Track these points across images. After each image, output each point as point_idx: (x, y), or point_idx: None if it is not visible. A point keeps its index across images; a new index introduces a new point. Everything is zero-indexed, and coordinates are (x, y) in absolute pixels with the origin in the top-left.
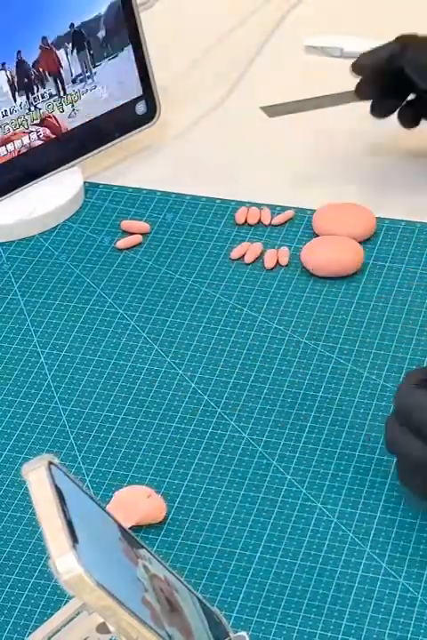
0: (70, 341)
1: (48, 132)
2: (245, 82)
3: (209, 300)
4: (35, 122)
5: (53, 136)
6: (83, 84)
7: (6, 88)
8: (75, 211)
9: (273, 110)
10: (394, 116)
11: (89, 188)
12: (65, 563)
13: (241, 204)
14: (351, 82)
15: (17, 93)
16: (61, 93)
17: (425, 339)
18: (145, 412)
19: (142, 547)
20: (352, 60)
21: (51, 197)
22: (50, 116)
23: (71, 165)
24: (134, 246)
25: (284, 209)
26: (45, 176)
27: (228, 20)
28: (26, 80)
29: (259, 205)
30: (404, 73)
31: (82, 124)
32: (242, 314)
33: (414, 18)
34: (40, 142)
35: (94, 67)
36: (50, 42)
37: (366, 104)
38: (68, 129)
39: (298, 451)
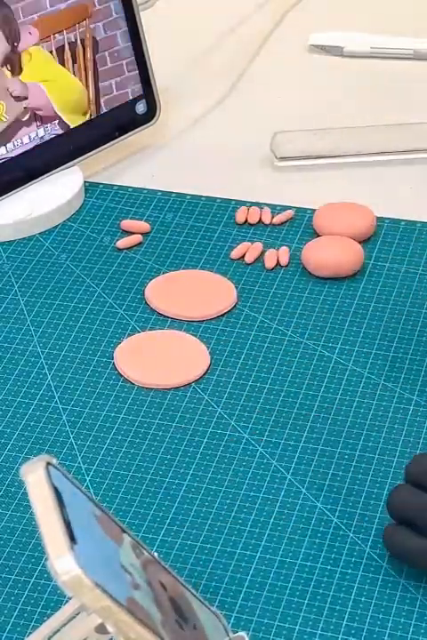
0: (70, 341)
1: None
2: (245, 81)
3: None
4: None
5: (54, 135)
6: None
7: None
8: (75, 211)
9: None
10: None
11: (89, 187)
12: (63, 563)
13: (241, 203)
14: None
15: None
16: None
17: (425, 339)
18: (145, 411)
19: (142, 547)
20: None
21: (51, 197)
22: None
23: (71, 165)
24: (134, 246)
25: (284, 209)
26: (45, 176)
27: (228, 19)
28: None
29: (259, 205)
30: None
31: (82, 124)
32: (242, 314)
33: (415, 15)
34: (40, 142)
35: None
36: None
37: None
38: (69, 129)
39: (298, 451)
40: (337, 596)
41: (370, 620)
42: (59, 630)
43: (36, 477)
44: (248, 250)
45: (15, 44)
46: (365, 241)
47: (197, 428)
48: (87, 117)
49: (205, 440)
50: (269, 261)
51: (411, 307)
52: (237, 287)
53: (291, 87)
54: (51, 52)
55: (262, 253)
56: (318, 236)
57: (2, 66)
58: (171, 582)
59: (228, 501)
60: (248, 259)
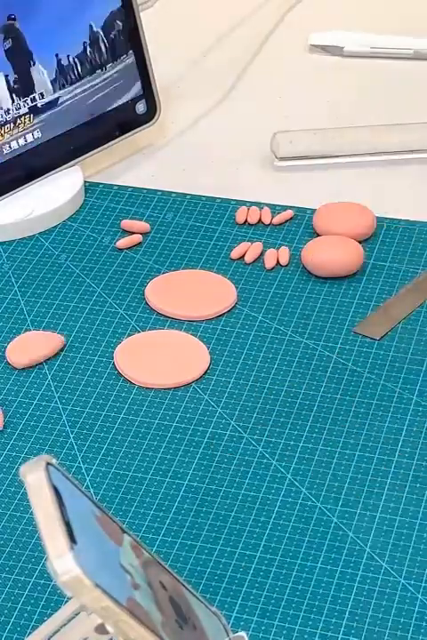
0: (70, 341)
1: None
2: (245, 81)
3: None
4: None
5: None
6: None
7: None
8: (75, 211)
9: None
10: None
11: (89, 187)
12: (63, 564)
13: (241, 203)
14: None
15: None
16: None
17: (425, 339)
18: (145, 411)
19: (142, 547)
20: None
21: (51, 197)
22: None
23: (71, 165)
24: (134, 246)
25: (284, 209)
26: (45, 176)
27: (228, 19)
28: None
29: (259, 205)
30: None
31: (82, 124)
32: (242, 314)
33: (415, 15)
34: (40, 142)
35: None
36: None
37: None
38: (69, 128)
39: (298, 451)
40: (337, 596)
41: (370, 619)
42: (59, 630)
43: (36, 477)
44: (248, 250)
45: None
46: (365, 241)
47: (197, 428)
48: None
49: (205, 440)
50: (269, 261)
51: None
52: (237, 287)
53: (291, 87)
54: None
55: (262, 253)
56: (318, 235)
57: None
58: (171, 582)
59: (228, 501)
60: (248, 259)
